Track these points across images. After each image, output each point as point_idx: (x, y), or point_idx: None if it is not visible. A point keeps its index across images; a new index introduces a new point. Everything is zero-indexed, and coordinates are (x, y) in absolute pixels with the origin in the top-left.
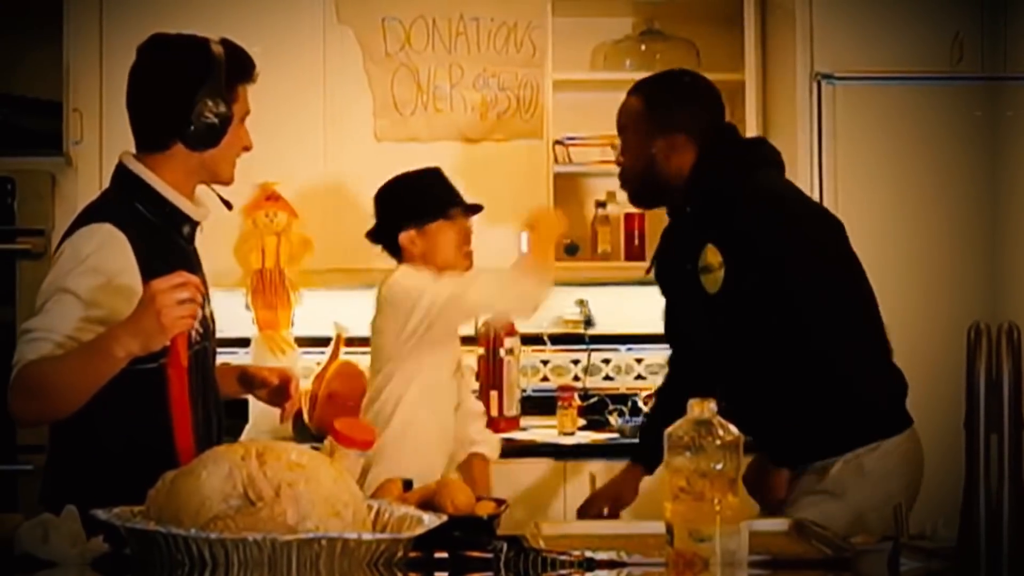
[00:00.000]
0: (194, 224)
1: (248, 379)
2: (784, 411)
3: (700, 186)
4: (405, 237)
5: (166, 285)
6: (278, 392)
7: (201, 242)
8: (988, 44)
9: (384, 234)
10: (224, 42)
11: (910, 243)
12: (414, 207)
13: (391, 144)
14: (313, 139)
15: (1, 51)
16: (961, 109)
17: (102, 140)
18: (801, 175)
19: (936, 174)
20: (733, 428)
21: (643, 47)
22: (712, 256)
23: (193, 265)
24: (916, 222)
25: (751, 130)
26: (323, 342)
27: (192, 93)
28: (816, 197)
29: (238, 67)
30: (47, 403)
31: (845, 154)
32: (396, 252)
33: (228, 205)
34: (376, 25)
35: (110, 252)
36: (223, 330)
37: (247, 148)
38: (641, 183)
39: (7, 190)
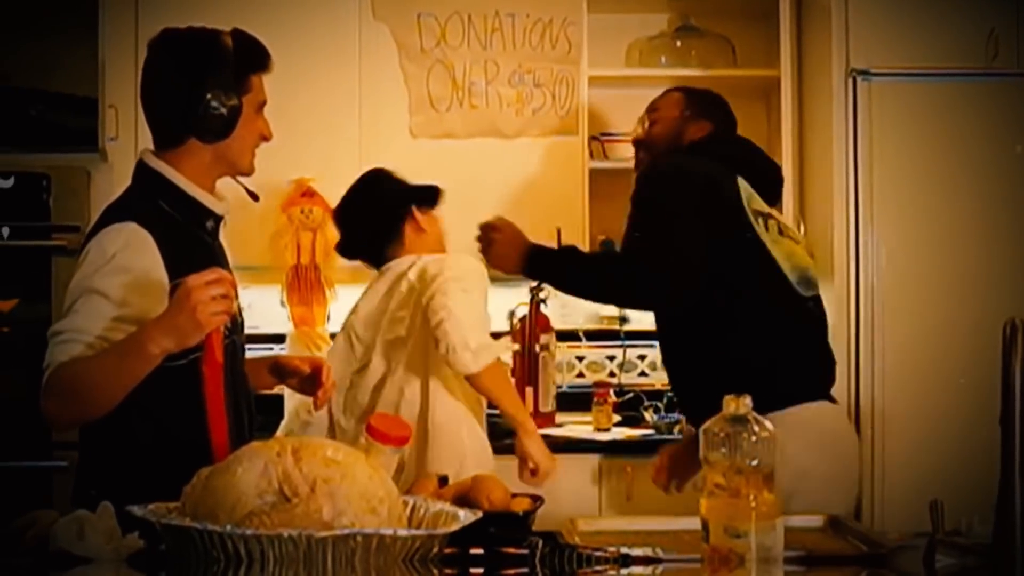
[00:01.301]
0: (217, 219)
1: (280, 369)
2: (676, 372)
3: None
4: (421, 218)
5: (201, 281)
6: (310, 380)
7: (237, 238)
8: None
9: (373, 235)
10: (235, 32)
11: (944, 239)
12: (415, 190)
13: (427, 141)
14: (349, 135)
15: (37, 48)
16: (996, 106)
17: (137, 136)
18: (836, 170)
19: (971, 171)
20: (768, 424)
21: (679, 43)
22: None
23: (219, 260)
24: (951, 218)
25: (787, 126)
26: None
27: (200, 86)
28: (851, 193)
29: (249, 57)
30: (81, 404)
31: (880, 150)
32: (379, 256)
33: (254, 196)
34: (411, 21)
35: (135, 250)
36: (258, 326)
37: (266, 138)
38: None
39: (43, 186)
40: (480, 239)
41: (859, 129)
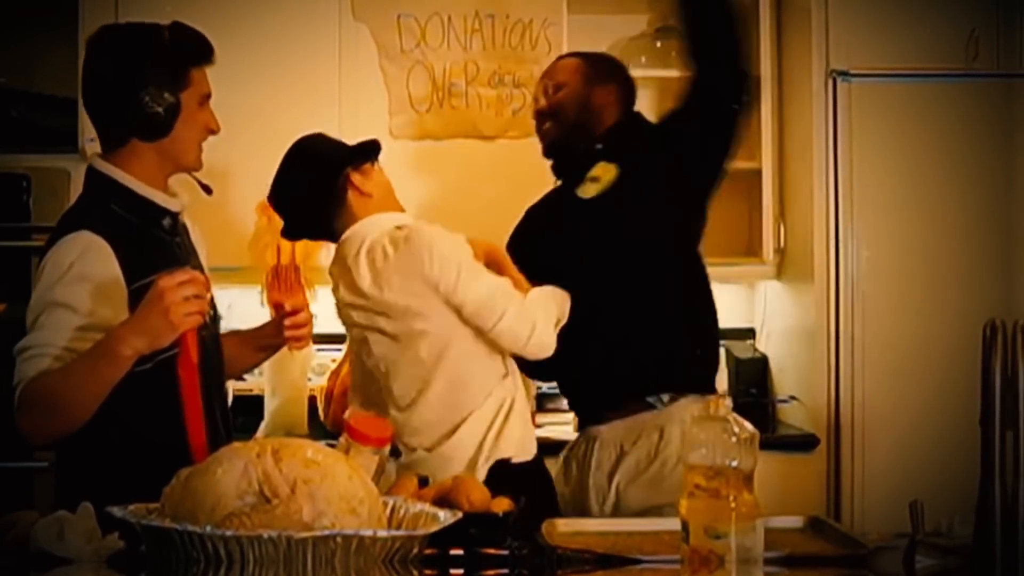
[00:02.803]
0: (173, 215)
1: (263, 334)
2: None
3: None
4: (360, 179)
5: (173, 282)
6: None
7: (216, 238)
8: (1004, 41)
9: (313, 211)
10: (174, 25)
11: (925, 239)
12: (345, 153)
13: (406, 141)
14: (332, 135)
15: (17, 49)
16: (976, 106)
17: None
18: (816, 171)
19: (951, 171)
20: (749, 425)
21: (658, 44)
22: None
23: (179, 258)
24: (931, 218)
25: (767, 127)
26: (339, 339)
27: (136, 84)
28: (831, 193)
29: (188, 50)
30: (56, 418)
31: (860, 151)
32: (330, 231)
33: (207, 189)
34: (391, 22)
35: (92, 258)
36: (239, 327)
37: (213, 131)
38: (573, 123)
39: (23, 187)
40: None
41: (839, 129)
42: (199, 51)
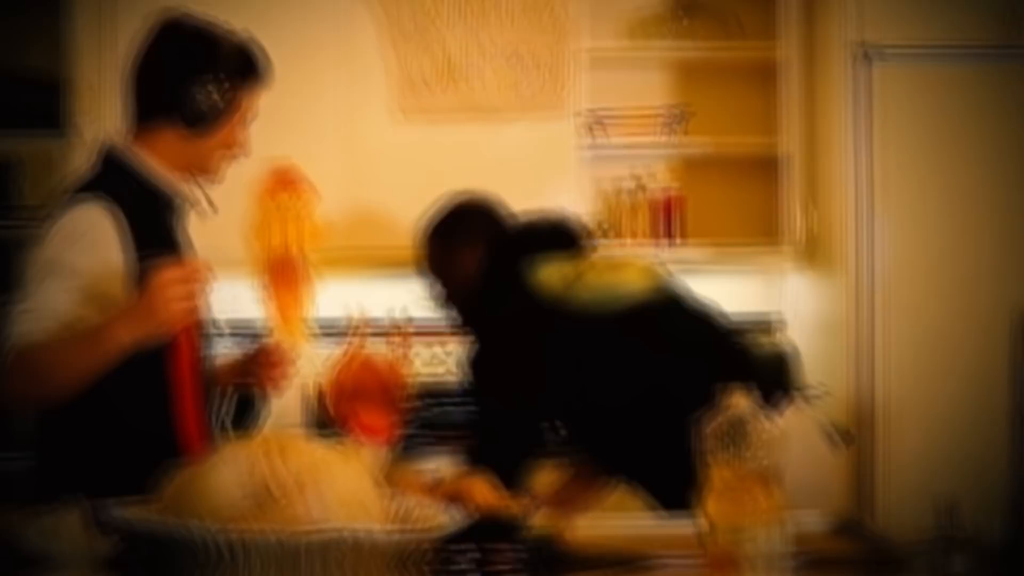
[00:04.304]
0: (180, 200)
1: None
2: None
3: None
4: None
5: (170, 276)
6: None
7: (217, 227)
8: None
9: None
10: (246, 40)
11: (956, 228)
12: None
13: (417, 121)
14: (337, 117)
15: (2, 30)
16: (1012, 89)
17: (104, 119)
18: (845, 156)
19: (985, 156)
20: (774, 420)
21: (681, 18)
22: None
23: (181, 244)
24: (962, 206)
25: (793, 104)
26: (343, 329)
27: (200, 71)
28: (860, 179)
29: (250, 64)
30: (43, 386)
31: (891, 134)
32: None
33: (211, 206)
34: None
35: (97, 229)
36: (239, 317)
37: (241, 151)
38: (464, 298)
39: (9, 168)
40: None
41: (867, 107)
42: (259, 69)
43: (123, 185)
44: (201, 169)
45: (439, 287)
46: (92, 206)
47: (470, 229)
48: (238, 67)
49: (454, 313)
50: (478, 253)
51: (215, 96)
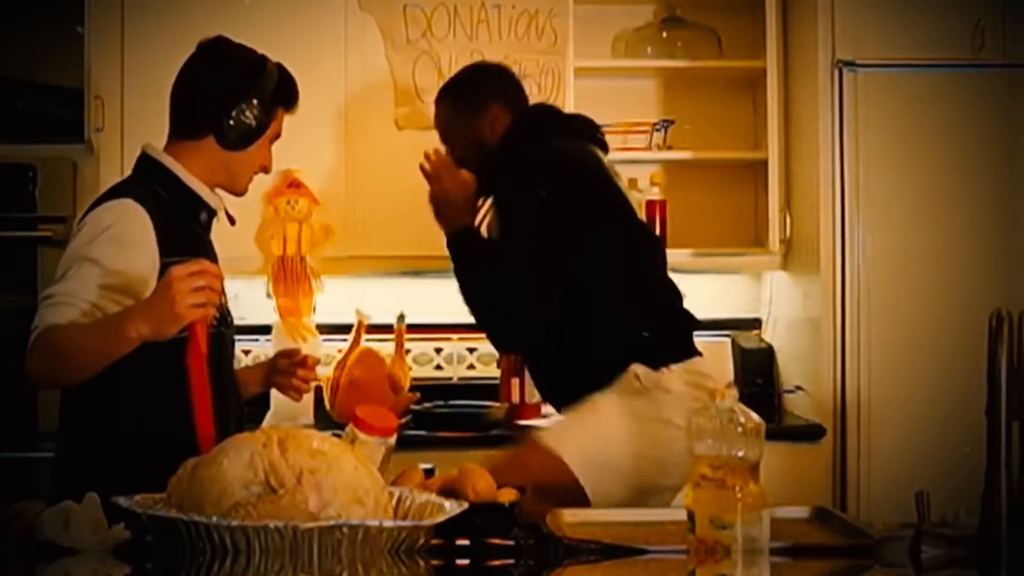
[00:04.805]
0: (211, 212)
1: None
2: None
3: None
4: None
5: (184, 272)
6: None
7: (222, 230)
8: (1010, 32)
9: None
10: (279, 66)
11: (931, 230)
12: None
13: (413, 132)
14: (335, 126)
15: (24, 40)
16: (982, 98)
17: (123, 127)
18: (823, 162)
19: (957, 162)
20: (755, 415)
21: (664, 34)
22: (491, 217)
23: (208, 252)
24: (937, 209)
25: (772, 117)
26: (345, 329)
27: (242, 94)
28: (837, 184)
29: (284, 90)
30: (58, 368)
31: (866, 141)
32: None
33: (231, 220)
34: (397, 12)
35: (131, 224)
36: (244, 318)
37: (265, 169)
38: (480, 164)
39: (29, 177)
40: (433, 166)
41: (845, 120)
42: (293, 95)
43: (159, 190)
44: (230, 183)
45: (451, 150)
46: (128, 204)
47: (487, 88)
48: (278, 92)
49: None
50: (495, 116)
51: (256, 119)
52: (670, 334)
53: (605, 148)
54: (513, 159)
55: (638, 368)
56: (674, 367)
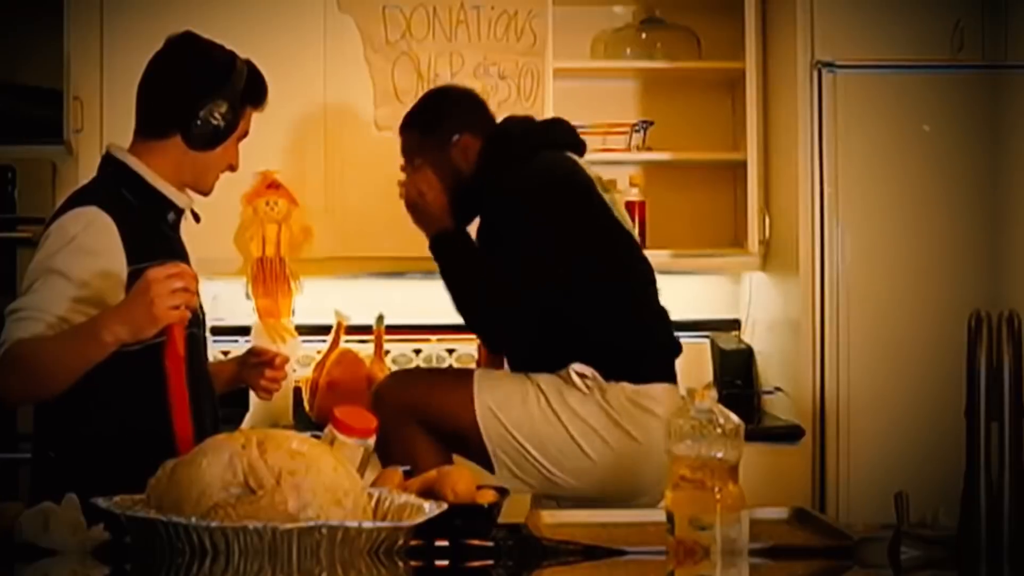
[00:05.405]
0: (179, 211)
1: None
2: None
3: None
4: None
5: (162, 274)
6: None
7: (202, 231)
8: (989, 33)
9: None
10: (249, 63)
11: (910, 231)
12: None
13: (392, 133)
14: (314, 128)
15: (2, 41)
16: (961, 98)
17: (102, 128)
18: (801, 163)
19: (937, 163)
20: (734, 416)
21: (643, 35)
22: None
23: (178, 253)
24: (916, 210)
25: (752, 118)
26: (324, 330)
27: (208, 93)
28: (815, 185)
29: (254, 89)
30: (34, 383)
31: (845, 142)
32: None
33: (196, 218)
34: (377, 14)
35: (97, 233)
36: (224, 319)
37: (232, 168)
38: (457, 195)
39: (8, 178)
40: (408, 186)
41: (824, 121)
42: (261, 93)
43: (124, 193)
44: (197, 183)
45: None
46: (93, 212)
47: (456, 115)
48: (247, 91)
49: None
50: (467, 143)
51: (224, 117)
52: (643, 354)
53: (582, 151)
54: (493, 185)
55: (585, 370)
56: (626, 386)
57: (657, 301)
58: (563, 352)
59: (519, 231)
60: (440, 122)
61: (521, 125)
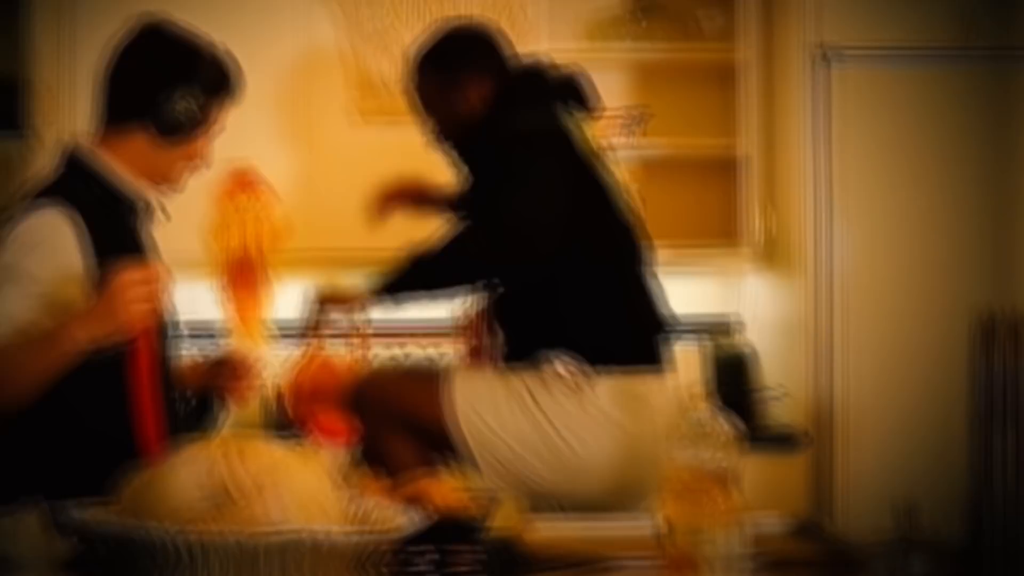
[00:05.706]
0: (145, 206)
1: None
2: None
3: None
4: None
5: (129, 279)
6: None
7: (173, 227)
8: (1001, 17)
9: None
10: (228, 53)
11: (915, 229)
12: None
13: (372, 122)
14: (295, 118)
15: None
16: (970, 91)
17: (65, 120)
18: (804, 157)
19: (943, 158)
20: (732, 423)
21: (640, 19)
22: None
23: (143, 246)
24: (921, 207)
25: (752, 106)
26: (302, 330)
27: (174, 82)
28: (820, 177)
29: (225, 78)
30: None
31: (849, 136)
32: None
33: (165, 214)
34: None
35: (58, 235)
36: (198, 318)
37: (203, 162)
38: (464, 136)
39: None
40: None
41: (826, 108)
42: (234, 85)
43: (86, 189)
44: (164, 177)
45: (434, 122)
46: (51, 211)
47: (472, 57)
48: (217, 81)
49: (449, 148)
50: (481, 85)
51: (192, 107)
52: (629, 334)
53: (589, 106)
54: (501, 133)
55: (569, 362)
56: (613, 375)
57: (646, 280)
58: (548, 331)
59: (532, 171)
60: (456, 60)
61: (535, 75)
